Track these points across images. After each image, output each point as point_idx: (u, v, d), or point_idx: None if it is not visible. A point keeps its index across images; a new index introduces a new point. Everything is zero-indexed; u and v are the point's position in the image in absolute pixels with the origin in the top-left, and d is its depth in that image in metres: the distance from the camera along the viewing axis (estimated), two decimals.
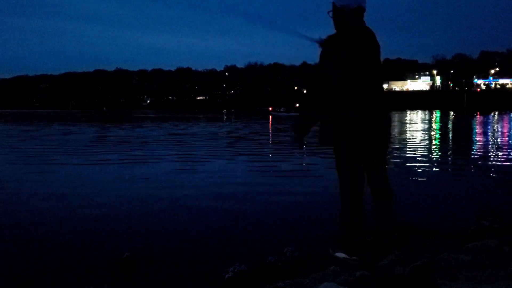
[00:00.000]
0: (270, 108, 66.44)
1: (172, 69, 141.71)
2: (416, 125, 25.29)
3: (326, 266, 2.94)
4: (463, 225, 4.13)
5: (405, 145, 12.76)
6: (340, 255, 3.19)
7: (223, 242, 3.81)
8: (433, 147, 13.30)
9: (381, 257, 3.08)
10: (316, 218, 4.60)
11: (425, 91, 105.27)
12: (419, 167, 8.31)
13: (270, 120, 38.42)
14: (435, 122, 30.16)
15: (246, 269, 3.02)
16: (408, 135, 17.11)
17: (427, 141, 15.03)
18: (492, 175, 7.36)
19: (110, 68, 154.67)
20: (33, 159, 10.11)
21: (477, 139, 16.43)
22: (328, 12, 3.31)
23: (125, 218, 4.71)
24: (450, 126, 26.56)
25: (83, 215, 4.84)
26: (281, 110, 64.13)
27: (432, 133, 20.10)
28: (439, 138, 17.56)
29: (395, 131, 14.92)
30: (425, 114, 43.75)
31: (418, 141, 14.44)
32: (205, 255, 3.49)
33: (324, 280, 2.63)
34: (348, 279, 2.68)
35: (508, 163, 9.03)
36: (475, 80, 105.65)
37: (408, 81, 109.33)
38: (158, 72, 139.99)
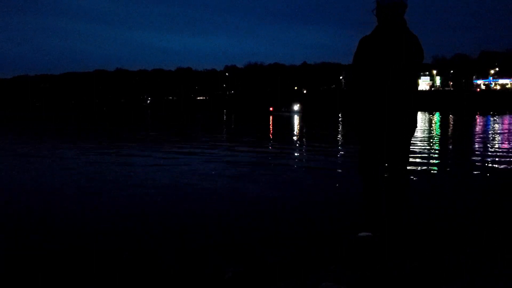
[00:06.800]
0: (271, 108, 66.42)
1: (172, 69, 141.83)
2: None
3: (326, 266, 2.94)
4: (464, 226, 4.13)
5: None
6: (362, 234, 3.43)
7: (223, 242, 3.81)
8: (434, 149, 13.30)
9: (382, 257, 3.09)
10: (316, 217, 4.60)
11: (425, 91, 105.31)
12: (419, 166, 8.32)
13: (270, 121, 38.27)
14: (435, 126, 30.19)
15: (246, 269, 3.02)
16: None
17: (428, 143, 15.03)
18: (494, 176, 7.35)
19: (111, 68, 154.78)
20: None
21: (478, 140, 16.44)
22: (373, 11, 3.44)
23: (123, 217, 4.71)
24: (451, 129, 26.58)
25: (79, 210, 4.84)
26: (282, 110, 64.16)
27: (433, 135, 20.11)
28: (440, 141, 17.56)
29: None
30: (424, 117, 43.77)
31: (419, 142, 14.45)
32: (205, 255, 3.49)
33: (324, 280, 2.64)
34: (348, 279, 2.68)
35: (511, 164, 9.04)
36: (475, 80, 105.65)
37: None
38: (158, 72, 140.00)
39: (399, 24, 3.36)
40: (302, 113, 57.26)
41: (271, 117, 47.93)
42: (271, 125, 30.10)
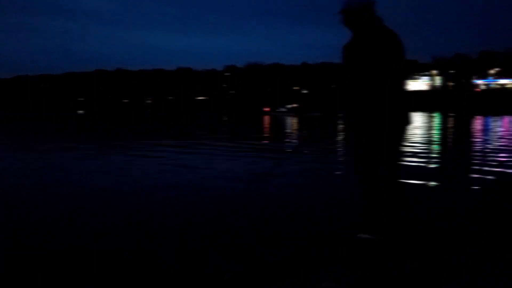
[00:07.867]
0: (267, 109, 66.42)
1: (172, 69, 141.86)
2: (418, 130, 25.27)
3: (326, 266, 2.94)
4: (464, 226, 4.13)
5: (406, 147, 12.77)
6: (363, 235, 3.47)
7: (223, 242, 3.81)
8: (434, 149, 13.31)
9: (382, 257, 3.09)
10: (316, 217, 4.60)
11: (425, 91, 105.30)
12: (419, 166, 8.32)
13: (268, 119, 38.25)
14: (435, 127, 30.18)
15: (246, 269, 3.02)
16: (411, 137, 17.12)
17: (428, 143, 15.03)
18: (494, 176, 7.35)
19: (111, 68, 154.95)
20: None
21: (478, 140, 16.43)
22: (337, 13, 3.40)
23: (123, 217, 4.71)
24: (450, 129, 26.58)
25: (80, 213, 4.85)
26: (277, 110, 64.22)
27: (433, 136, 20.11)
28: (440, 141, 17.56)
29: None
30: (424, 117, 43.79)
31: (419, 142, 14.45)
32: (205, 255, 3.49)
33: (324, 280, 2.64)
34: (348, 279, 2.68)
35: None
36: (475, 80, 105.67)
37: (408, 81, 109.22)
38: (158, 72, 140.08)
39: (370, 25, 3.35)
40: (298, 113, 57.24)
41: (266, 117, 47.87)
42: (265, 126, 30.09)
